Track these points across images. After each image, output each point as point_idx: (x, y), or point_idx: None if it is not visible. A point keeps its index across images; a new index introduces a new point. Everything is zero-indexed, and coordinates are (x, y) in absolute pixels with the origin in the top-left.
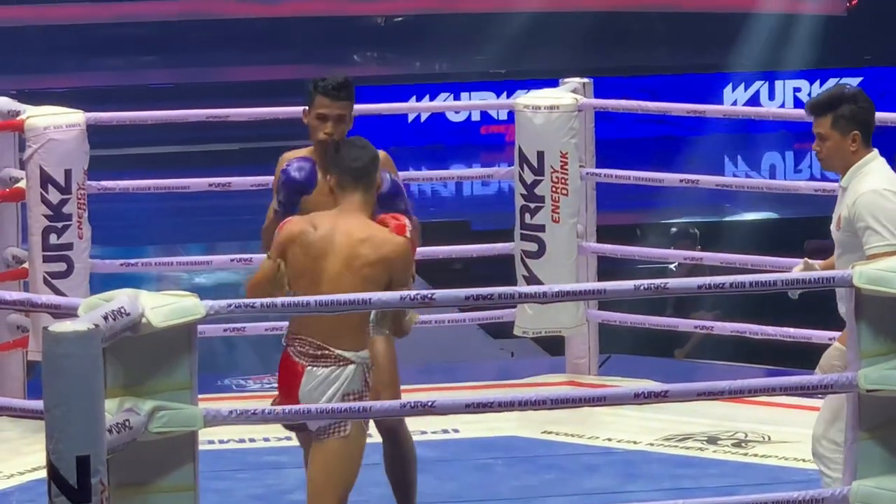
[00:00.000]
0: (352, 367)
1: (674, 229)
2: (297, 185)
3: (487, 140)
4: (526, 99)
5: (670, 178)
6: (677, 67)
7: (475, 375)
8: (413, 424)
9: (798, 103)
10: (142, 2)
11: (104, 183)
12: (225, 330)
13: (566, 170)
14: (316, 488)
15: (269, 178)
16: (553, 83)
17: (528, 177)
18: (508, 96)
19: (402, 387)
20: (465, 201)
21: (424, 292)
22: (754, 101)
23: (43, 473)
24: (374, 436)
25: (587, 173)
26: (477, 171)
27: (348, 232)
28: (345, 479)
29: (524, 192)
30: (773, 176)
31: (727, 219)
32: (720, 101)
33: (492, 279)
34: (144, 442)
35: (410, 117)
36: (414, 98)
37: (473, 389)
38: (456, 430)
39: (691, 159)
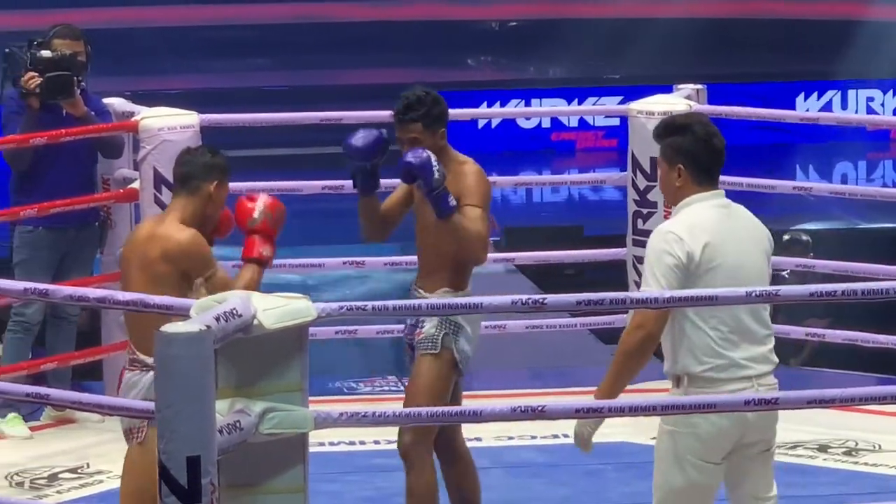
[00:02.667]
0: (151, 374)
1: (786, 236)
2: (351, 150)
3: (557, 147)
4: (640, 105)
5: (783, 184)
6: (790, 74)
7: (586, 380)
8: (524, 429)
9: None
10: (256, 4)
11: None
12: (336, 332)
13: None
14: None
15: (384, 181)
16: (667, 89)
17: (641, 182)
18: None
19: (513, 391)
20: (577, 206)
21: (536, 297)
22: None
23: None
24: (485, 439)
25: None
26: (589, 176)
27: (143, 233)
28: (136, 485)
29: (637, 197)
30: (886, 184)
31: (839, 226)
32: (840, 108)
33: (604, 284)
34: (255, 443)
35: (483, 123)
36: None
37: (584, 394)
38: (566, 435)
39: (803, 166)
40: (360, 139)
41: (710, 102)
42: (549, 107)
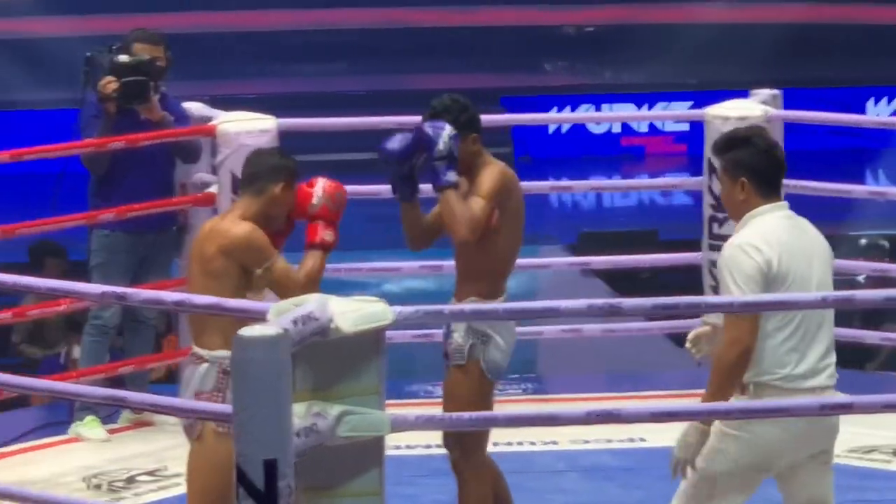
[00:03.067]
0: (205, 365)
1: (863, 241)
2: (387, 153)
3: (628, 152)
4: (715, 109)
5: (859, 189)
6: (861, 79)
7: (661, 384)
8: (599, 433)
9: None
10: (335, 9)
11: None
12: (414, 336)
13: None
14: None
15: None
16: (743, 94)
17: (717, 187)
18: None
19: (588, 395)
20: (652, 210)
21: (612, 301)
22: None
23: None
24: (561, 443)
25: None
26: (664, 180)
27: (204, 231)
28: (205, 483)
29: (713, 202)
30: None
31: None
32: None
33: (679, 288)
34: (331, 446)
35: (553, 128)
36: (589, 108)
37: (660, 398)
38: (642, 439)
39: (878, 171)
40: (395, 142)
41: (786, 107)
42: (620, 112)
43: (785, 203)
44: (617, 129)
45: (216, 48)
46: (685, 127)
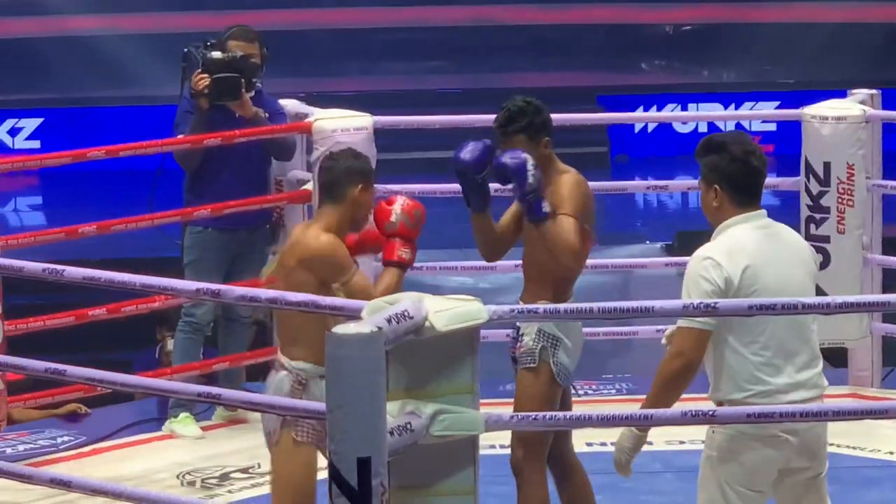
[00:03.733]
0: (283, 374)
1: None
2: (462, 164)
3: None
4: (813, 110)
5: None
6: None
7: None
8: (695, 433)
9: None
10: (430, 7)
11: (391, 186)
12: (507, 335)
13: (852, 181)
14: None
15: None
16: (842, 94)
17: (815, 187)
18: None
19: (684, 395)
20: None
21: (708, 301)
22: None
23: (324, 474)
24: (656, 443)
25: (874, 185)
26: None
27: (289, 241)
28: (285, 490)
29: (810, 202)
30: None
31: None
32: None
33: None
34: (425, 445)
35: (640, 127)
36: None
37: None
38: None
39: None
40: (468, 152)
41: (885, 107)
42: (709, 111)
43: (762, 212)
44: (703, 128)
45: (313, 45)
46: (772, 127)
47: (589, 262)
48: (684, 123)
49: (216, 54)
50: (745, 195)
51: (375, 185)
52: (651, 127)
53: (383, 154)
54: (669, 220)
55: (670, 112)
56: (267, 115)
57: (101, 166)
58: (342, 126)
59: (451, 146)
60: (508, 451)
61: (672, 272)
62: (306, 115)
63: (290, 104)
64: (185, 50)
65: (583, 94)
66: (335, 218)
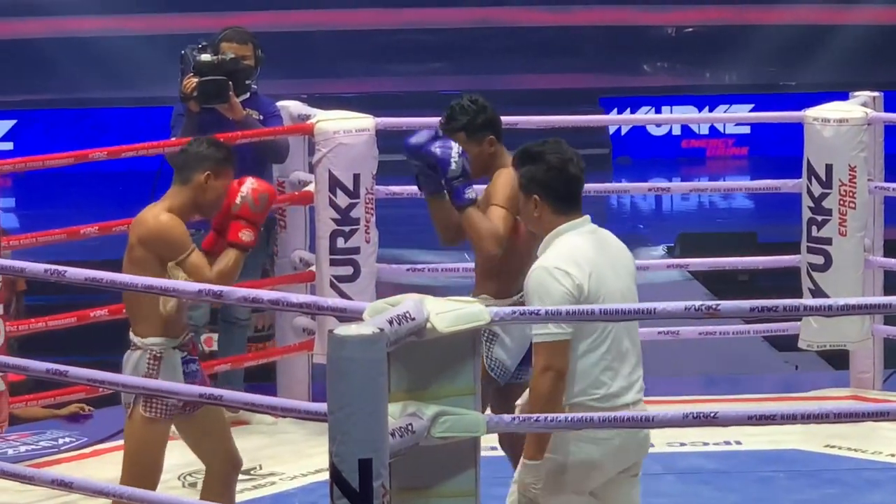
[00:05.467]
0: (138, 352)
1: None
2: (407, 148)
3: (688, 154)
4: (815, 112)
5: None
6: None
7: (758, 387)
8: (695, 435)
9: None
10: (432, 8)
11: (392, 188)
12: None
13: (854, 183)
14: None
15: None
16: (843, 96)
17: (816, 189)
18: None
19: (685, 397)
20: (751, 213)
21: (710, 303)
22: None
23: (325, 475)
24: (657, 445)
25: (875, 187)
26: (763, 182)
27: (137, 218)
28: (131, 461)
29: (811, 204)
30: None
31: None
32: None
33: (777, 291)
34: (426, 446)
35: (614, 129)
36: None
37: (756, 401)
38: (738, 442)
39: None
40: (417, 137)
41: (887, 110)
42: (719, 114)
43: (586, 217)
44: (677, 131)
45: (315, 47)
46: (746, 130)
47: None
48: (658, 126)
49: (205, 57)
50: (564, 203)
51: (380, 187)
52: (625, 129)
53: (385, 155)
54: (671, 222)
55: (672, 114)
56: (261, 117)
57: (103, 167)
58: (344, 127)
59: None
60: None
61: (675, 274)
62: (308, 117)
63: (292, 105)
64: (182, 52)
65: (585, 96)
66: (179, 200)
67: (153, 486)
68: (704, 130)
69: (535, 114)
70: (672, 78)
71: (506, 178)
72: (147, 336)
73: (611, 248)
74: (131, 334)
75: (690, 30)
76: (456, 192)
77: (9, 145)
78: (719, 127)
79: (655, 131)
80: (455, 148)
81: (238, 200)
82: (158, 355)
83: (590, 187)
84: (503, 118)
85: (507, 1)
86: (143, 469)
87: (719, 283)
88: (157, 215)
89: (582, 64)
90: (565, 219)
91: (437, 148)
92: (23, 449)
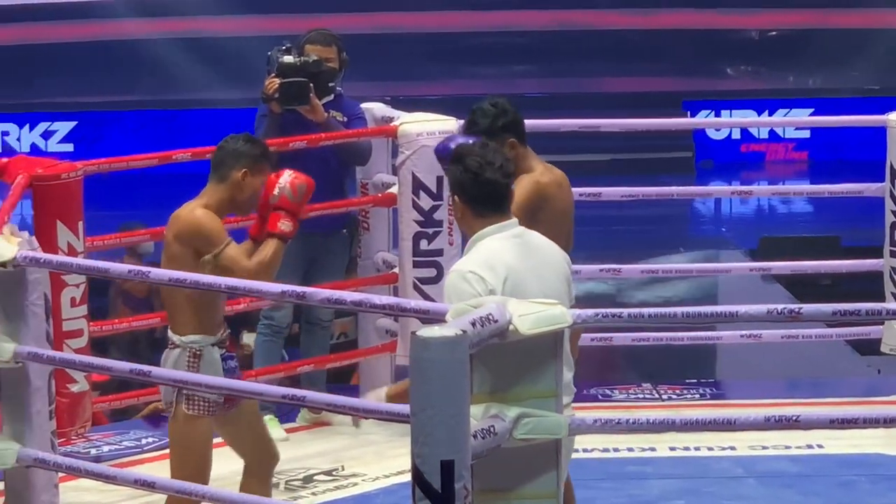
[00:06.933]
0: (176, 350)
1: None
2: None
3: (747, 158)
4: None
5: None
6: None
7: (840, 391)
8: (777, 439)
9: None
10: (517, 11)
11: None
12: (592, 339)
13: None
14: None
15: (640, 189)
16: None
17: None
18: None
19: (767, 400)
20: (834, 217)
21: (792, 306)
22: None
23: (407, 477)
24: (739, 448)
25: None
26: (846, 186)
27: (174, 215)
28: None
29: (894, 208)
30: None
31: None
32: None
33: (860, 295)
34: (508, 448)
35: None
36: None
37: (838, 405)
38: (820, 446)
39: None
40: (440, 144)
41: None
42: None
43: (512, 221)
44: (736, 134)
45: (400, 49)
46: (806, 134)
47: (673, 266)
48: (717, 130)
49: (287, 58)
50: (483, 206)
51: None
52: (736, 132)
53: None
54: (754, 226)
55: (755, 118)
56: (344, 119)
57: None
58: (427, 129)
59: (537, 150)
60: (591, 454)
61: (757, 277)
62: (392, 119)
63: (375, 107)
64: (269, 54)
65: (668, 100)
66: (216, 197)
67: (205, 483)
68: (764, 135)
69: (617, 117)
70: (755, 82)
71: (521, 186)
72: (185, 334)
73: (538, 251)
74: (170, 332)
75: (774, 33)
76: None
77: (69, 146)
78: (779, 131)
79: (715, 135)
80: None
81: (276, 191)
82: (198, 352)
83: (672, 190)
84: (583, 121)
85: (592, 4)
86: (193, 468)
87: (802, 287)
88: (192, 210)
89: (666, 67)
90: (487, 222)
91: (441, 147)
92: (106, 449)
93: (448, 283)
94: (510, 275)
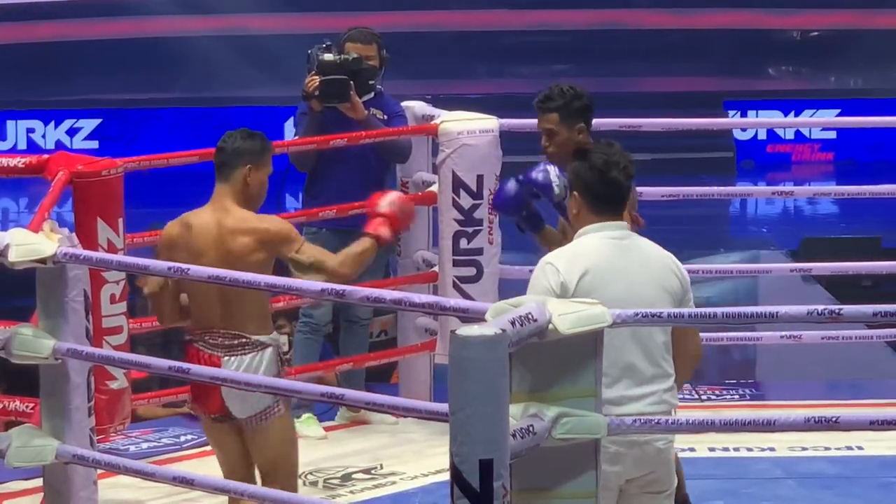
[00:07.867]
0: (269, 350)
1: None
2: (498, 209)
3: (773, 159)
4: None
5: None
6: None
7: (881, 392)
8: (817, 440)
9: None
10: (557, 10)
11: None
12: None
13: None
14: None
15: (680, 189)
16: None
17: None
18: None
19: (807, 401)
20: (874, 218)
21: (833, 307)
22: None
23: (446, 476)
24: (778, 449)
25: None
26: (888, 187)
27: (219, 224)
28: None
29: None
30: None
31: None
32: None
33: None
34: (547, 448)
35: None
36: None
37: (879, 407)
38: (860, 448)
39: None
40: (506, 198)
41: None
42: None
43: (620, 223)
44: (762, 135)
45: (441, 48)
46: (832, 135)
47: (713, 267)
48: (744, 130)
49: (327, 56)
50: (601, 204)
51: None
52: (738, 133)
53: (509, 157)
54: (795, 226)
55: (798, 118)
56: (385, 117)
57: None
58: (468, 128)
59: None
60: None
61: (797, 278)
62: (432, 117)
63: (416, 106)
64: (309, 52)
65: (709, 99)
66: (230, 198)
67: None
68: (790, 135)
69: (658, 116)
70: (797, 82)
71: None
72: (268, 332)
73: (635, 255)
74: (247, 336)
75: (816, 34)
76: (566, 213)
77: (93, 143)
78: (805, 132)
79: (741, 136)
80: (553, 170)
81: (383, 203)
82: (281, 348)
83: (712, 190)
84: (624, 120)
85: (633, 3)
86: (295, 467)
87: (842, 289)
88: (260, 218)
89: (707, 67)
90: (599, 220)
91: (538, 174)
92: (145, 446)
93: (535, 270)
94: (590, 272)
